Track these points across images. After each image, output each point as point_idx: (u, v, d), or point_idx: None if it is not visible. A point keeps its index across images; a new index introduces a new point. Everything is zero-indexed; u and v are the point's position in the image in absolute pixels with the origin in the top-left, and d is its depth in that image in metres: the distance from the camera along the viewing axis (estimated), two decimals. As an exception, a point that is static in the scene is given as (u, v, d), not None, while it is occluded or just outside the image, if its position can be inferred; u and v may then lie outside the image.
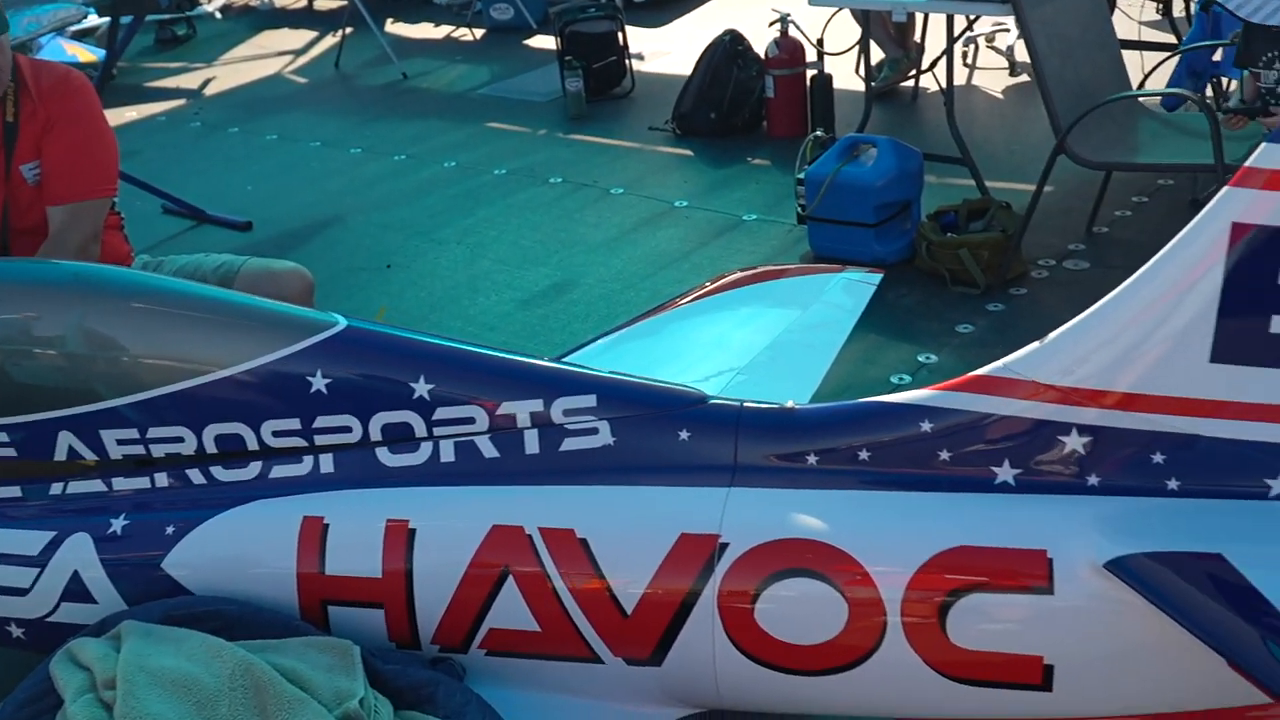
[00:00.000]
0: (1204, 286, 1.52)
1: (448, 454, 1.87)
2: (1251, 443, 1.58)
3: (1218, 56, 4.99)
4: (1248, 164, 1.50)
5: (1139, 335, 1.57)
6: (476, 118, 6.91)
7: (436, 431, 1.88)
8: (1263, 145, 1.49)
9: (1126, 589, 1.53)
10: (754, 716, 1.93)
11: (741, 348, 2.65)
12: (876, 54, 6.33)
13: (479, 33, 8.80)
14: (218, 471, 1.93)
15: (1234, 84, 4.86)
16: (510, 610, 1.78)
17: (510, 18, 8.64)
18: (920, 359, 3.88)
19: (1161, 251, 1.56)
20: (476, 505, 1.83)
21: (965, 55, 6.73)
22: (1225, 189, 1.51)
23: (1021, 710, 1.68)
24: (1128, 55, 4.80)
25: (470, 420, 1.88)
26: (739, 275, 3.11)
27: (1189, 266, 1.53)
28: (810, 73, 5.99)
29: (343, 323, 1.94)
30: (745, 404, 1.85)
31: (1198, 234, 1.53)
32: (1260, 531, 1.57)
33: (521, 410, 1.87)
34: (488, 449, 1.86)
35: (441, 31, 9.07)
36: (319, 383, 1.88)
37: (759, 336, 2.70)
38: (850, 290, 2.96)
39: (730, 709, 1.84)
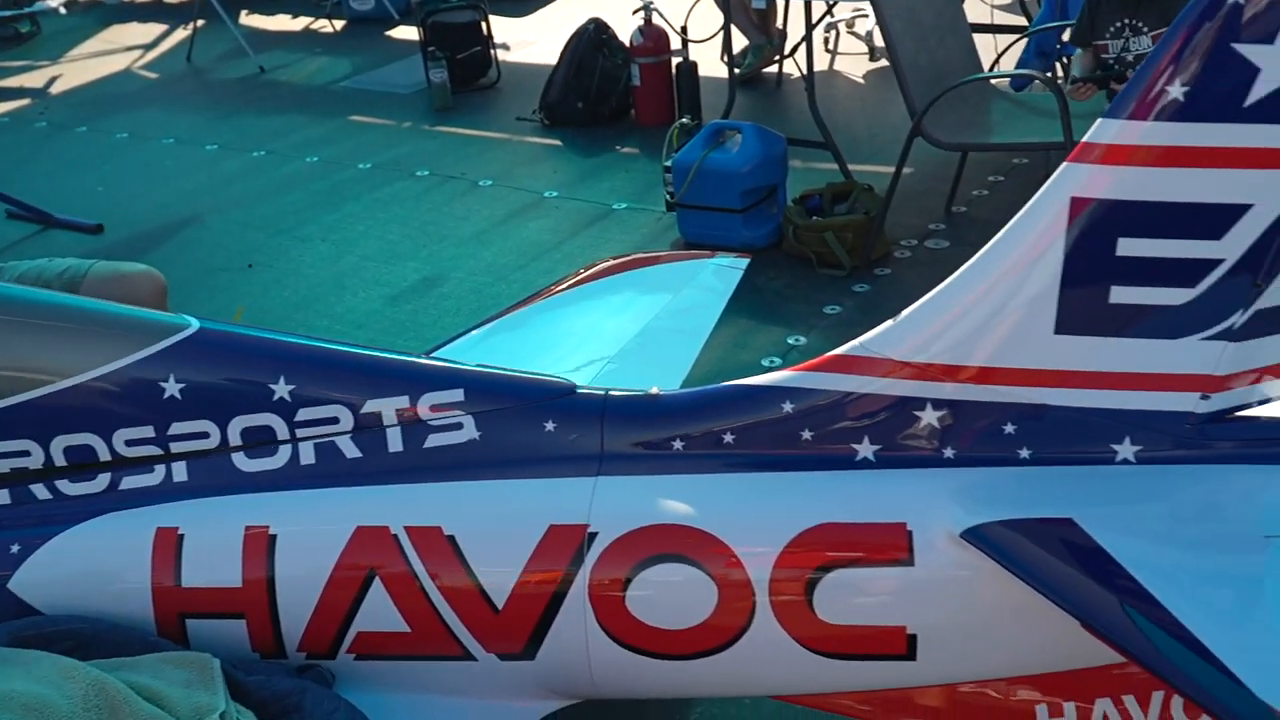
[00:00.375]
0: (1047, 260, 1.56)
1: (308, 456, 1.82)
2: (1097, 410, 1.64)
3: (1066, 37, 5.16)
4: (1084, 139, 1.54)
5: (987, 310, 1.61)
6: (338, 111, 6.78)
7: (299, 433, 1.83)
8: (1099, 121, 1.54)
9: (983, 557, 1.56)
10: (629, 704, 1.93)
11: (613, 336, 2.65)
12: (741, 41, 6.40)
13: (339, 24, 8.64)
14: (64, 485, 1.85)
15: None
16: (378, 612, 1.75)
17: (371, 8, 8.50)
18: (790, 341, 3.93)
19: (1005, 228, 1.60)
20: (339, 507, 1.79)
21: (827, 41, 6.84)
22: (1064, 164, 1.55)
23: (888, 681, 1.72)
24: (981, 39, 4.94)
25: (334, 420, 1.83)
26: (611, 263, 3.11)
27: (1032, 241, 1.57)
28: (676, 60, 6.02)
29: (195, 324, 1.88)
30: (610, 392, 1.85)
31: (1039, 209, 1.56)
32: (1108, 495, 1.62)
33: (387, 407, 1.83)
34: (349, 449, 1.82)
35: (299, 23, 8.87)
36: (172, 388, 1.81)
37: (630, 324, 2.71)
38: (719, 275, 2.98)
39: (606, 698, 1.83)
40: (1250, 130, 1.47)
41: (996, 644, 1.68)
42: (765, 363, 3.77)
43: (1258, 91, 1.44)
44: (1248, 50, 1.43)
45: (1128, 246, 1.54)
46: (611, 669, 1.75)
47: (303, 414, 1.82)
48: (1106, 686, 1.72)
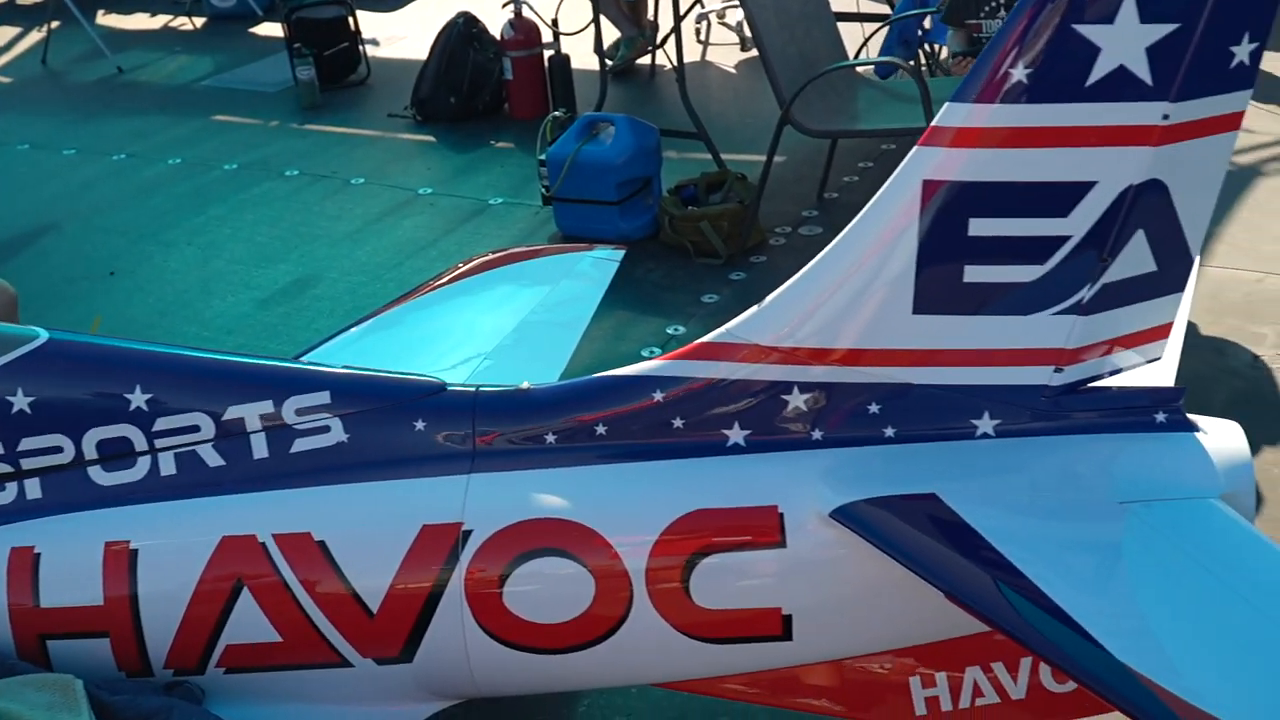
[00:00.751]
0: (902, 243, 1.59)
1: (168, 466, 1.77)
2: (957, 386, 1.68)
3: (928, 24, 5.28)
4: (934, 123, 1.57)
5: (848, 294, 1.64)
6: (202, 111, 6.58)
7: (158, 443, 1.78)
8: (946, 105, 1.57)
9: (853, 535, 1.59)
10: (516, 700, 1.92)
11: (489, 332, 2.63)
12: (613, 33, 6.40)
13: (200, 21, 8.39)
14: (-93, 510, 1.76)
15: (943, 49, 5.17)
16: (248, 624, 1.71)
17: (233, 5, 8.27)
18: (669, 331, 3.95)
19: (861, 213, 1.62)
20: (203, 518, 1.74)
21: (698, 32, 6.89)
22: (915, 148, 1.59)
23: (767, 661, 1.74)
24: (847, 27, 5.01)
25: (195, 428, 1.79)
26: (487, 259, 3.09)
27: (887, 225, 1.60)
28: (548, 53, 5.99)
29: (44, 336, 1.81)
30: (481, 389, 1.83)
31: (893, 193, 1.59)
32: (969, 469, 1.67)
33: (250, 413, 1.79)
34: (212, 457, 1.77)
35: (158, 21, 8.59)
36: (20, 402, 1.75)
37: (506, 319, 2.69)
38: (596, 267, 2.98)
39: (488, 696, 1.82)
40: (1092, 109, 1.51)
41: (869, 619, 1.71)
42: (645, 353, 3.77)
43: (1099, 70, 1.49)
44: (1089, 30, 1.47)
45: (979, 226, 1.58)
46: (491, 667, 1.74)
47: (161, 423, 1.77)
48: (976, 655, 1.76)
